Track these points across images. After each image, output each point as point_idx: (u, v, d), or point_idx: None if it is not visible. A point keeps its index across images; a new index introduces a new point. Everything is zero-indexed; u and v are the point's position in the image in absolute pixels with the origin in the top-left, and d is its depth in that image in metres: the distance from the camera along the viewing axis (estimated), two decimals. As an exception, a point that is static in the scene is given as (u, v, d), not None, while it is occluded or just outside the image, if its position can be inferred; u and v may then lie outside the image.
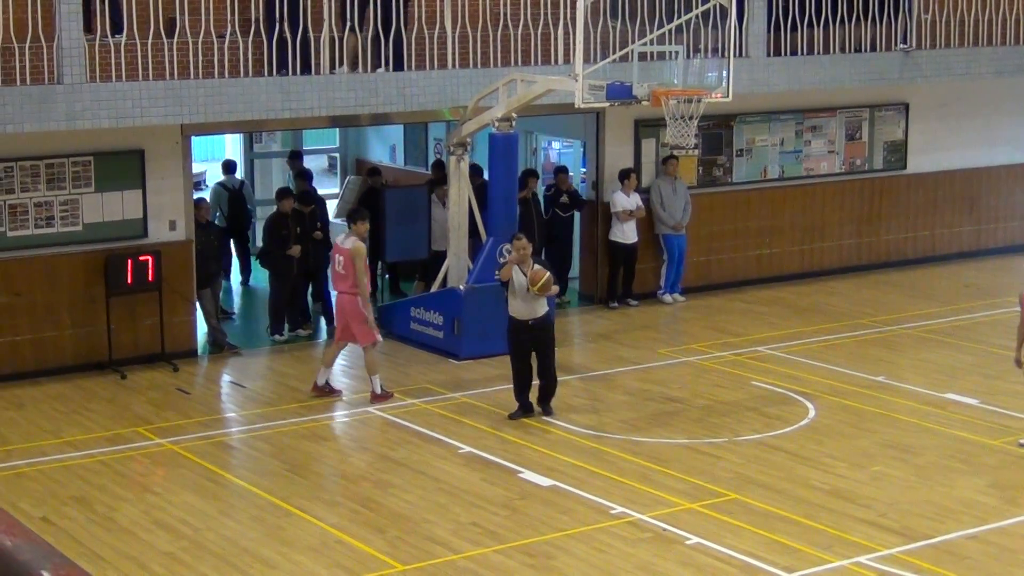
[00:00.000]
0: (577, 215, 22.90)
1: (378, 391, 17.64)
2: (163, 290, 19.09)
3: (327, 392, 17.84)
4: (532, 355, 16.94)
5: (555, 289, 16.89)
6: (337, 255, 17.59)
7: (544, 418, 17.01)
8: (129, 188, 19.03)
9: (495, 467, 15.28)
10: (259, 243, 22.63)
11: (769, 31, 22.08)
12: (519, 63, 20.14)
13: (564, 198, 22.52)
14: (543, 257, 22.48)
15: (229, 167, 24.54)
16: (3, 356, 18.44)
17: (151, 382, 18.54)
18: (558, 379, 17.22)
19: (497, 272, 17.54)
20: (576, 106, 18.02)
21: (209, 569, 12.68)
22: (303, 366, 19.71)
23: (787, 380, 18.50)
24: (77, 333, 18.86)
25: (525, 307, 16.82)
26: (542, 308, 16.88)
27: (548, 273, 16.75)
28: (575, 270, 23.39)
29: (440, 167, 23.93)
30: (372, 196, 22.93)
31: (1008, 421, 16.86)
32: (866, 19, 22.84)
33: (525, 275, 16.76)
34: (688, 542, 13.23)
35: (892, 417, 17.03)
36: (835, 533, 13.43)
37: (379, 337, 17.80)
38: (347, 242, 17.58)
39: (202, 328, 20.15)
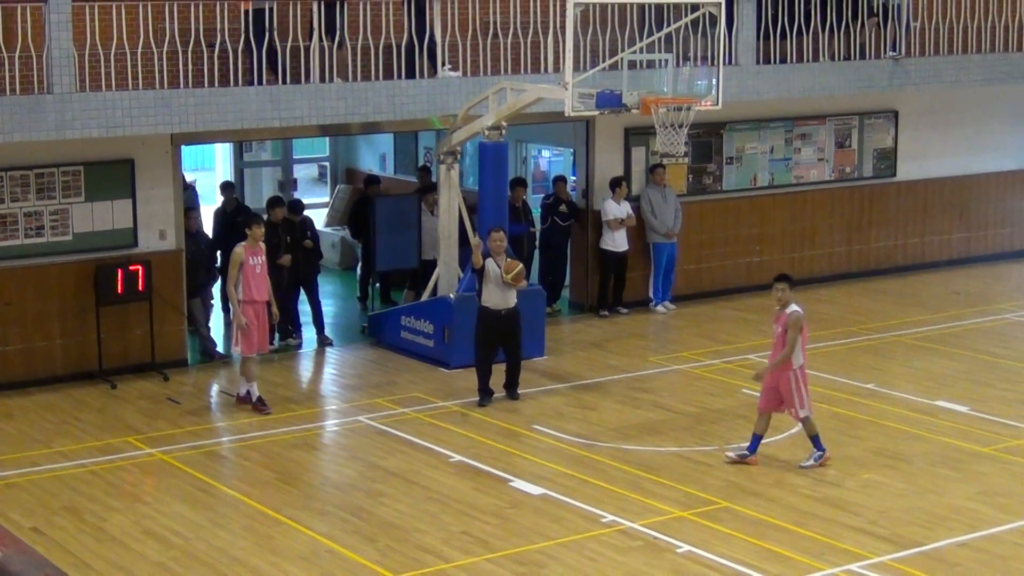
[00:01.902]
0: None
1: (241, 393, 17.81)
2: (153, 300, 19.08)
3: (246, 401, 17.82)
4: (496, 345, 18.02)
5: (524, 284, 18.08)
6: None
7: (513, 401, 17.89)
8: (119, 198, 19.01)
9: (486, 476, 15.27)
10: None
11: (758, 39, 22.12)
12: (509, 72, 20.16)
13: (563, 207, 22.53)
14: (539, 265, 22.66)
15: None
16: (-7, 366, 18.47)
17: (141, 392, 18.52)
18: (549, 386, 17.31)
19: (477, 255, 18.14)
20: (566, 114, 18.03)
21: (200, 579, 12.68)
22: (294, 375, 19.74)
23: (777, 388, 18.50)
24: (67, 343, 18.83)
25: (499, 298, 17.80)
26: (513, 299, 17.91)
27: (521, 264, 17.96)
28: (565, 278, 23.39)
29: (426, 171, 23.93)
30: (365, 205, 22.93)
31: (998, 428, 16.88)
32: (855, 27, 22.89)
33: (499, 267, 17.68)
34: (679, 550, 13.23)
35: (882, 424, 17.05)
36: (826, 541, 13.43)
37: (237, 349, 17.85)
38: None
39: (192, 338, 20.14)
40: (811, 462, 15.45)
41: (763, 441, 16.29)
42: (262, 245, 17.86)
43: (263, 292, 17.67)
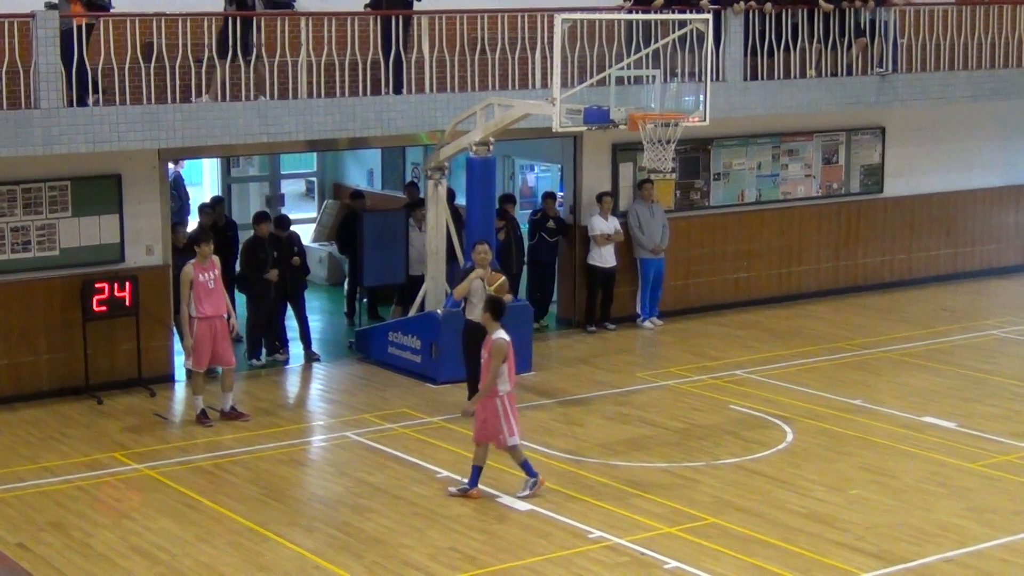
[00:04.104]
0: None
1: (226, 408, 17.92)
2: (140, 315, 19.04)
3: (233, 416, 17.85)
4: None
5: (509, 297, 17.92)
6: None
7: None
8: (106, 213, 18.99)
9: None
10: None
11: (746, 55, 22.14)
12: (497, 87, 20.17)
13: (551, 223, 22.53)
14: (527, 281, 22.68)
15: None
16: (-21, 381, 18.42)
17: (128, 407, 18.48)
18: (537, 402, 17.33)
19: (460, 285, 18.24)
20: (553, 130, 18.06)
21: (186, 595, 12.65)
22: (281, 391, 19.71)
23: (765, 404, 18.51)
24: (53, 358, 18.79)
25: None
26: None
27: (504, 277, 17.97)
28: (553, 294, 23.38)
29: (413, 187, 23.90)
30: (353, 220, 22.93)
31: (985, 444, 16.90)
32: (843, 44, 22.93)
33: (483, 280, 17.82)
34: (666, 566, 13.22)
35: (870, 440, 17.05)
36: (813, 557, 13.43)
37: (187, 364, 17.91)
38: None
39: (179, 353, 20.08)
40: (527, 491, 15.01)
41: (750, 457, 16.33)
42: (214, 260, 17.88)
43: (218, 307, 17.72)
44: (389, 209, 23.79)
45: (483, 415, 15.01)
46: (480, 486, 15.11)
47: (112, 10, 17.90)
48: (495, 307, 15.17)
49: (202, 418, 17.68)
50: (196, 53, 18.30)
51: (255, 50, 18.66)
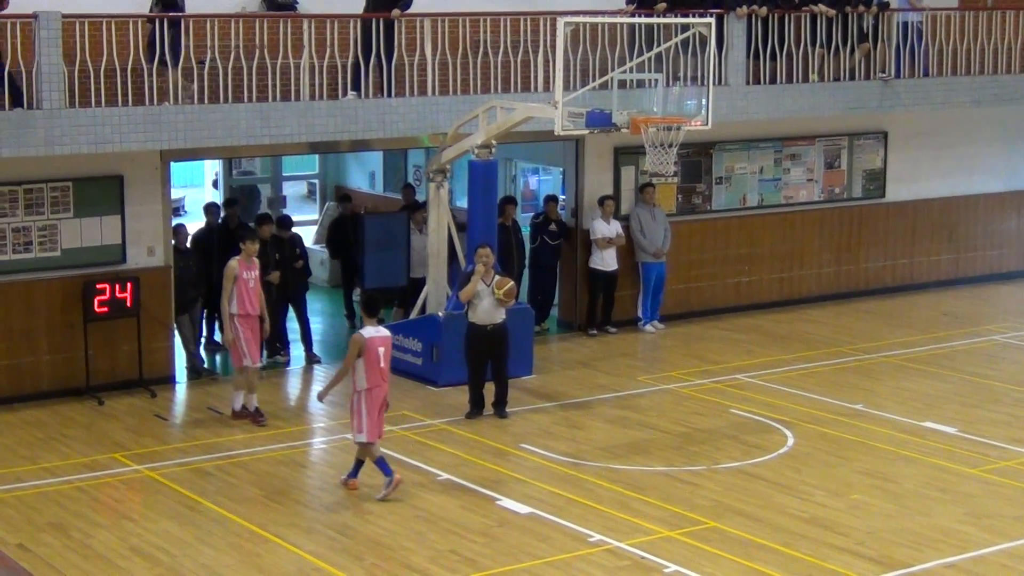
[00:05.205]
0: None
1: (236, 408, 17.94)
2: (141, 316, 19.04)
3: (245, 415, 17.88)
4: (487, 359, 18.18)
5: (511, 302, 18.14)
6: None
7: (501, 419, 17.76)
8: (108, 214, 18.99)
9: (473, 494, 15.24)
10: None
11: (748, 59, 22.13)
12: (499, 90, 20.16)
13: (553, 226, 22.53)
14: (528, 284, 22.65)
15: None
16: (-20, 382, 18.41)
17: (128, 408, 18.47)
18: (538, 405, 17.33)
19: (461, 292, 18.31)
20: (555, 133, 18.05)
21: (185, 596, 12.65)
22: (281, 392, 19.70)
23: (766, 408, 18.50)
24: (54, 359, 18.78)
25: (487, 314, 18.00)
26: (500, 316, 18.06)
27: (512, 281, 18.20)
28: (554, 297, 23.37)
29: (410, 189, 23.82)
30: (342, 223, 22.91)
31: (986, 449, 16.89)
32: (845, 50, 22.92)
33: (487, 284, 17.89)
34: (666, 570, 13.21)
35: (870, 445, 17.04)
36: (813, 561, 13.42)
37: (246, 362, 17.81)
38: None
39: (180, 354, 20.09)
40: (383, 492, 15.00)
41: (750, 461, 16.33)
42: (256, 260, 17.95)
43: (256, 306, 17.77)
44: (390, 211, 23.76)
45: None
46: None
47: (5, 10, 17.64)
48: (367, 303, 15.36)
49: (257, 416, 17.78)
50: (198, 55, 18.26)
51: (182, 52, 18.42)
